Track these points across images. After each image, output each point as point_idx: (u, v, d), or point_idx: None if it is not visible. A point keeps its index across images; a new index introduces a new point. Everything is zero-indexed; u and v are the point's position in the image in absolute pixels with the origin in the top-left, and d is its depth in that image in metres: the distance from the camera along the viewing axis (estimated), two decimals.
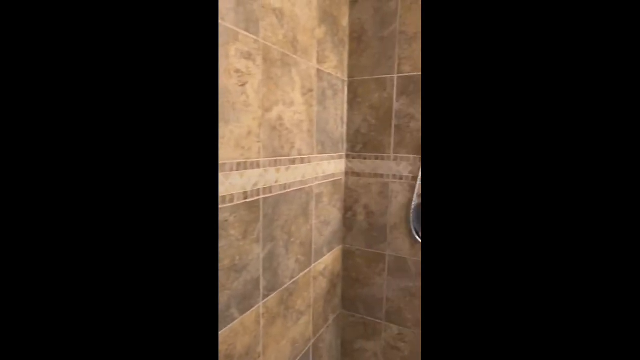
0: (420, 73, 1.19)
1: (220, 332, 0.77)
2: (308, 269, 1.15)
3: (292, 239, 1.03)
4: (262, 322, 0.92)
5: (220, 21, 0.69)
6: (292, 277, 1.06)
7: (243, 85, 0.76)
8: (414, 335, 1.31)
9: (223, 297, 0.77)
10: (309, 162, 1.09)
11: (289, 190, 0.99)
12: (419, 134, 1.21)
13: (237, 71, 0.74)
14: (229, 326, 0.79)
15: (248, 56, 0.77)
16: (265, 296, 0.92)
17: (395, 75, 1.23)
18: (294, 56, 0.95)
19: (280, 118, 0.91)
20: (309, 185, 1.10)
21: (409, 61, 1.20)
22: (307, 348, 1.19)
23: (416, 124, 1.21)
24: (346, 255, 1.42)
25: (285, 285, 1.02)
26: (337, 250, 1.37)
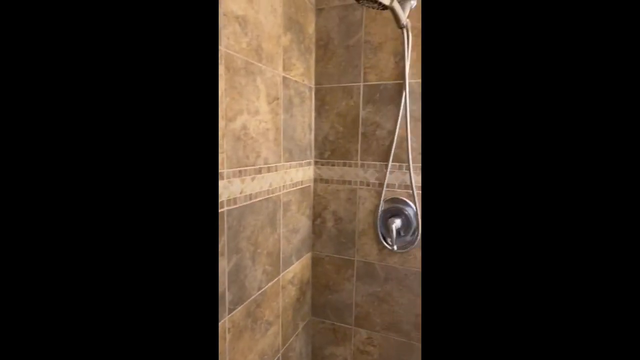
0: (385, 82, 1.21)
1: None
2: (276, 279, 1.14)
3: (258, 250, 1.01)
4: (228, 337, 0.90)
5: None
6: (260, 288, 1.04)
7: None
8: (383, 338, 1.34)
9: None
10: (276, 170, 1.07)
11: (254, 201, 0.97)
12: (385, 142, 1.24)
13: None
14: None
15: None
16: (231, 310, 0.90)
17: (361, 84, 1.25)
18: (259, 64, 0.94)
19: (244, 127, 0.89)
20: (276, 194, 1.08)
21: (374, 70, 1.22)
22: (276, 359, 1.18)
23: (381, 132, 1.24)
24: (315, 262, 1.42)
25: (253, 297, 1.00)
26: (306, 258, 1.37)
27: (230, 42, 0.81)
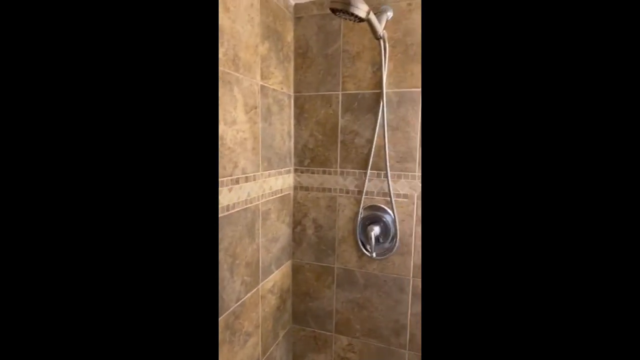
0: (363, 91, 1.23)
1: None
2: (255, 289, 1.12)
3: (237, 261, 1.00)
4: None
5: None
6: (239, 300, 1.02)
7: None
8: (363, 344, 1.34)
9: None
10: (254, 180, 1.07)
11: (232, 212, 0.96)
12: (363, 150, 1.25)
13: None
14: None
15: None
16: None
17: (340, 93, 1.26)
18: (236, 74, 0.93)
19: (221, 138, 0.88)
20: (254, 203, 1.07)
21: (352, 79, 1.23)
22: None
23: (360, 140, 1.25)
24: (296, 269, 1.41)
25: (231, 309, 0.99)
26: (286, 266, 1.36)
27: None
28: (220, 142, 0.88)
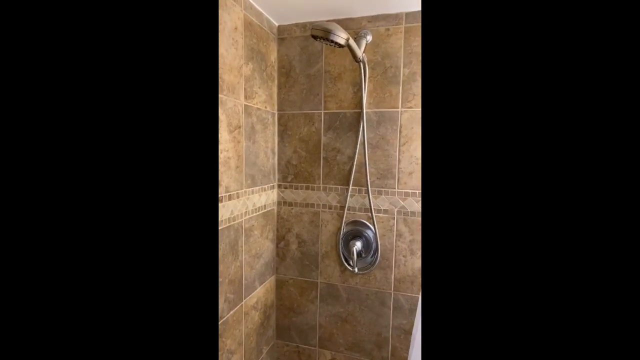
0: (344, 111, 1.27)
1: None
2: (239, 306, 1.13)
3: (220, 279, 1.01)
4: None
5: None
6: (222, 318, 1.03)
7: None
8: (346, 358, 1.36)
9: None
10: (238, 197, 1.08)
11: None
12: (345, 167, 1.29)
13: None
14: None
15: None
16: None
17: (322, 112, 1.30)
18: (220, 95, 0.95)
19: None
20: (237, 221, 1.09)
21: (334, 99, 1.28)
22: None
23: (342, 157, 1.29)
24: (280, 284, 1.42)
25: None
26: (270, 281, 1.37)
27: None
28: None
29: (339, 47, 0.97)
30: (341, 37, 0.93)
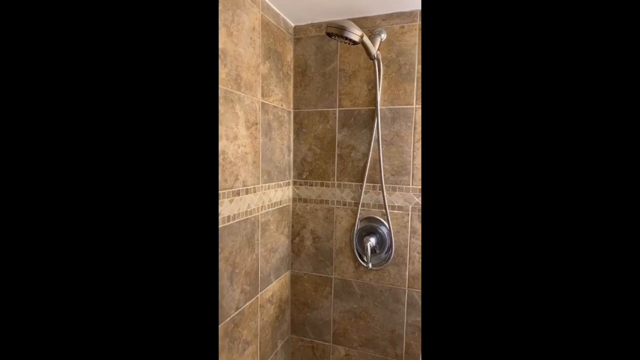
0: (358, 108, 1.29)
1: None
2: (255, 298, 1.16)
3: (236, 270, 1.04)
4: None
5: None
6: (238, 308, 1.06)
7: None
8: (360, 355, 1.36)
9: None
10: (255, 192, 1.11)
11: (233, 222, 1.00)
12: (360, 164, 1.30)
13: None
14: None
15: None
16: None
17: (337, 109, 1.32)
18: (238, 92, 0.99)
19: (223, 152, 0.93)
20: (254, 214, 1.12)
21: (348, 97, 1.30)
22: None
23: (356, 154, 1.30)
24: (294, 280, 1.44)
25: (231, 317, 1.02)
26: (285, 276, 1.39)
27: None
28: (222, 157, 0.93)
29: (353, 44, 0.99)
30: (355, 34, 0.95)
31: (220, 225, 0.94)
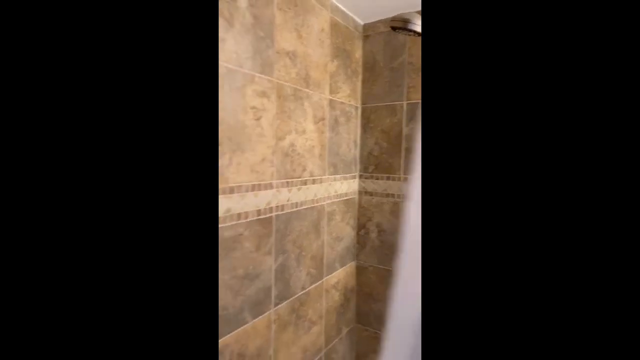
0: None
1: (233, 333, 0.88)
2: (320, 282, 1.24)
3: (303, 253, 1.13)
4: (273, 327, 1.02)
5: (238, 68, 0.83)
6: (304, 288, 1.15)
7: (258, 119, 0.90)
8: None
9: (237, 302, 0.88)
10: (321, 182, 1.20)
11: (300, 208, 1.10)
12: None
13: (253, 108, 0.88)
14: (241, 328, 0.90)
15: (263, 94, 0.91)
16: (276, 304, 1.03)
17: (405, 102, 1.31)
18: (307, 90, 1.08)
19: (292, 145, 1.04)
20: (320, 203, 1.20)
21: (416, 89, 1.28)
22: (318, 357, 1.27)
23: None
24: (360, 271, 1.49)
25: (297, 296, 1.12)
26: (350, 266, 1.45)
27: (281, 74, 0.97)
28: (291, 149, 1.03)
29: (419, 35, 0.99)
30: (419, 25, 0.95)
31: (289, 210, 1.04)
